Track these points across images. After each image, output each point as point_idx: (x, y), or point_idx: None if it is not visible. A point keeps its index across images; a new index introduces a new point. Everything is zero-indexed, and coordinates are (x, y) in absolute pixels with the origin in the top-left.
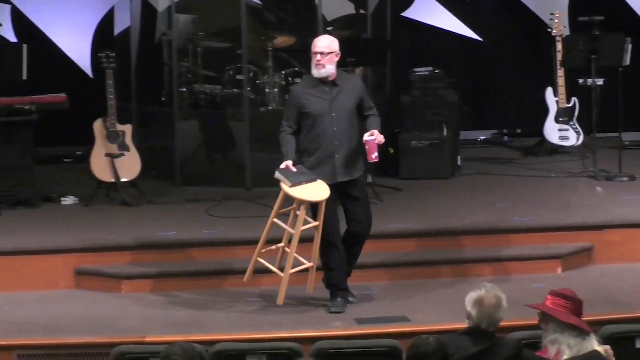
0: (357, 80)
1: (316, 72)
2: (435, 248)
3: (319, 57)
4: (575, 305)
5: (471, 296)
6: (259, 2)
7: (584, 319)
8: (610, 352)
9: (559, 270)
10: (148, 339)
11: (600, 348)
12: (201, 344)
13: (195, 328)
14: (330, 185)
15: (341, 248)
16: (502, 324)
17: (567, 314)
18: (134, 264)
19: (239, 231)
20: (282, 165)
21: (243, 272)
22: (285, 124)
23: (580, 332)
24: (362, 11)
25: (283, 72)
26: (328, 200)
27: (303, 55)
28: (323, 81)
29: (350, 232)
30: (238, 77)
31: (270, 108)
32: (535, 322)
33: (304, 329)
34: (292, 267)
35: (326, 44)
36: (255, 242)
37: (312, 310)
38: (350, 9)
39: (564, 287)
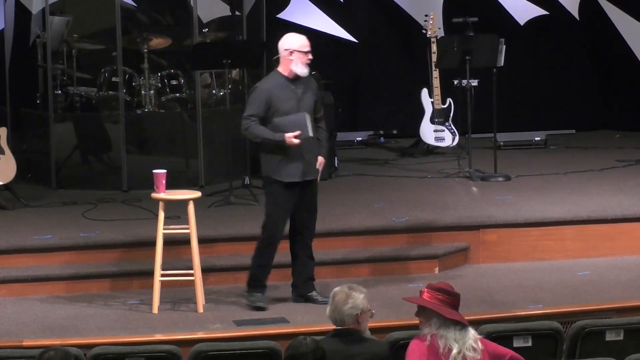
0: (314, 81)
1: (302, 71)
2: (315, 249)
3: (310, 56)
4: (454, 299)
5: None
6: (134, 4)
7: (468, 317)
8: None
9: (436, 270)
10: (25, 343)
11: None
12: (79, 347)
13: (72, 332)
14: (296, 184)
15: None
16: (379, 324)
17: (449, 309)
18: (10, 267)
19: (116, 234)
20: (288, 138)
21: (119, 275)
22: (251, 117)
23: (462, 325)
24: (237, 13)
25: (159, 74)
26: (289, 197)
27: (178, 56)
28: (289, 79)
29: (298, 232)
30: (113, 79)
31: (146, 110)
32: (413, 321)
33: (182, 331)
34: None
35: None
36: (131, 244)
37: (191, 313)
38: (225, 10)
39: (441, 281)
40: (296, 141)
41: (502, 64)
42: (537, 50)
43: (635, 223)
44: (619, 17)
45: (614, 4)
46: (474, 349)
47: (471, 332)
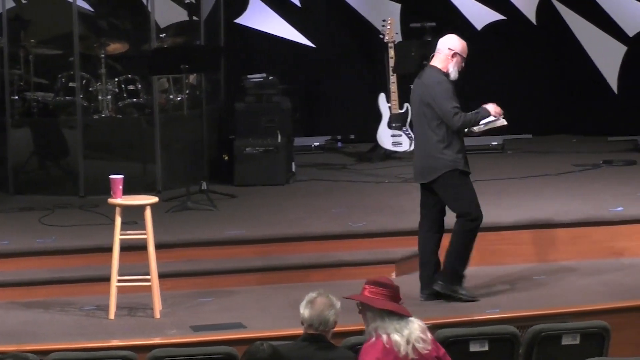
0: None
1: (455, 75)
2: (271, 254)
3: (463, 64)
4: (392, 291)
5: (305, 299)
6: (92, 9)
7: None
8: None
9: (394, 275)
10: None
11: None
12: (35, 353)
13: (29, 337)
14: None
15: None
16: (338, 329)
17: (383, 300)
18: None
19: (73, 240)
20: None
21: (77, 280)
22: (457, 107)
23: (401, 316)
24: (195, 18)
25: (116, 79)
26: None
27: (135, 62)
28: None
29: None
30: (71, 84)
31: (103, 115)
32: None
33: (139, 337)
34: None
35: None
36: (87, 250)
37: (148, 318)
38: (183, 15)
39: (380, 275)
40: (499, 110)
41: None
42: (495, 54)
43: (592, 227)
44: (575, 22)
45: (571, 8)
46: (423, 340)
47: (416, 322)
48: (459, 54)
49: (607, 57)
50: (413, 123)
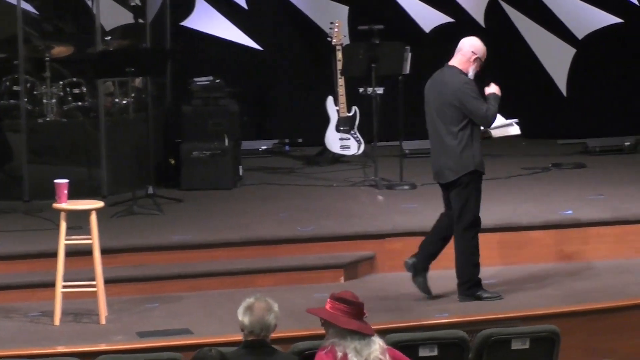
0: None
1: (473, 76)
2: (218, 259)
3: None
4: (356, 308)
5: (242, 306)
6: (36, 12)
7: (374, 326)
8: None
9: (342, 279)
10: None
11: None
12: None
13: None
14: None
15: None
16: (285, 334)
17: (347, 319)
18: None
19: (17, 245)
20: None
21: (21, 286)
22: (483, 102)
23: (362, 335)
24: (141, 20)
25: (61, 82)
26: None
27: (81, 65)
28: None
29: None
30: (15, 88)
31: (48, 119)
32: (319, 332)
33: (84, 343)
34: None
35: None
36: (32, 255)
37: (93, 324)
38: (129, 18)
39: (344, 290)
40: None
41: (407, 72)
42: (443, 57)
43: (542, 231)
44: (524, 24)
45: (519, 11)
46: None
47: (378, 342)
48: (480, 59)
49: (556, 59)
50: (429, 123)
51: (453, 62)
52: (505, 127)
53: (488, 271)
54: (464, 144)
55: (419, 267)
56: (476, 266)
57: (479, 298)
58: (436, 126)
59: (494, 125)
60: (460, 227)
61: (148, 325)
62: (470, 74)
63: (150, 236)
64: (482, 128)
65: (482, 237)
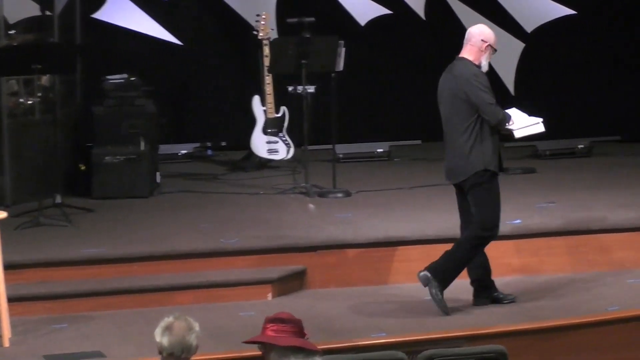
0: None
1: (486, 67)
2: (133, 275)
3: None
4: (296, 326)
5: (159, 326)
6: None
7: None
8: None
9: (270, 296)
10: None
11: None
12: None
13: None
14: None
15: None
16: (207, 356)
17: (288, 338)
18: None
19: None
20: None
21: None
22: (493, 99)
23: (307, 352)
24: (48, 13)
25: None
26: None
27: None
28: None
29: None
30: None
31: None
32: (246, 354)
33: None
34: None
35: None
36: None
37: None
38: (35, 10)
39: (279, 311)
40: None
41: (341, 69)
42: (380, 53)
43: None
44: (468, 17)
45: (463, 2)
46: None
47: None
48: (492, 46)
49: (503, 55)
50: (443, 120)
51: (463, 53)
52: (529, 127)
53: (420, 286)
54: (473, 141)
55: (490, 293)
56: (458, 270)
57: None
58: (449, 123)
59: (517, 125)
60: (472, 231)
61: (56, 348)
62: (484, 64)
63: (58, 250)
64: (508, 126)
65: (422, 248)
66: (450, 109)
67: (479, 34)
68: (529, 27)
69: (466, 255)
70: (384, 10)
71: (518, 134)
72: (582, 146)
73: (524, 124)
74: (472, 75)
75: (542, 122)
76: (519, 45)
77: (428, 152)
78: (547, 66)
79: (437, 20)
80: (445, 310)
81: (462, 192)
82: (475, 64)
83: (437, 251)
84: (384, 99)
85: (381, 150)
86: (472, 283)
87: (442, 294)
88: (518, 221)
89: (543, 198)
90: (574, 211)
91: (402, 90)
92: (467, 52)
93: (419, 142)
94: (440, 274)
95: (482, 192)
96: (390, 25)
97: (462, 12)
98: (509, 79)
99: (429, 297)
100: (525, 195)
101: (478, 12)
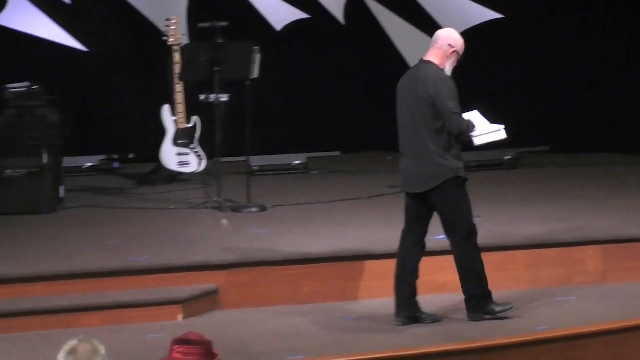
0: None
1: (449, 73)
2: (34, 295)
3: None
4: (204, 348)
5: (62, 350)
6: None
7: None
8: None
9: (180, 317)
10: None
11: None
12: None
13: None
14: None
15: None
16: None
17: None
18: None
19: None
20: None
21: None
22: (457, 106)
23: None
24: None
25: None
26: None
27: None
28: None
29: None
30: None
31: None
32: None
33: None
34: None
35: None
36: None
37: None
38: None
39: (187, 332)
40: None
41: (256, 76)
42: (297, 59)
43: None
44: (390, 21)
45: (384, 5)
46: None
47: None
48: (458, 52)
49: None
50: (402, 123)
51: (428, 56)
52: (490, 133)
53: (347, 305)
54: (444, 146)
55: (412, 313)
56: (482, 278)
57: (491, 313)
58: (411, 128)
59: (478, 132)
60: (457, 237)
61: None
62: (447, 70)
63: None
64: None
65: (340, 265)
66: (415, 114)
67: (446, 38)
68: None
69: (473, 258)
70: (301, 14)
71: (478, 141)
72: (508, 157)
73: (484, 130)
74: (439, 79)
75: (504, 128)
76: None
77: (347, 163)
78: (472, 72)
79: (356, 25)
80: (508, 308)
81: (420, 200)
82: (439, 68)
83: (355, 269)
84: (301, 108)
85: (298, 162)
86: (397, 299)
87: (494, 305)
88: (442, 237)
89: None
90: (500, 226)
91: (321, 99)
92: (433, 55)
93: (337, 153)
94: (474, 299)
95: (457, 197)
96: (308, 29)
97: (383, 16)
98: None
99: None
100: None
101: (400, 16)
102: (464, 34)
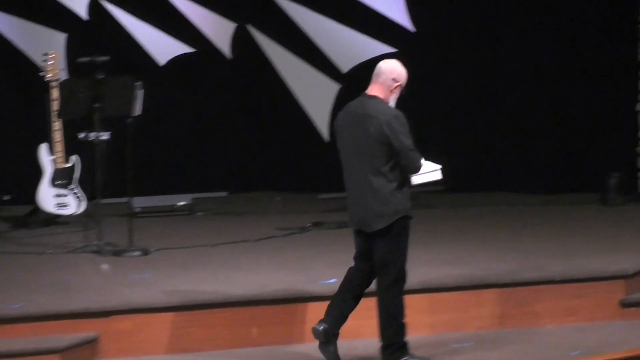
0: None
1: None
2: None
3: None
4: None
5: None
6: None
7: None
8: None
9: None
10: None
11: None
12: None
13: None
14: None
15: None
16: None
17: None
18: None
19: None
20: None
21: None
22: (412, 143)
23: None
24: None
25: None
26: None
27: None
28: None
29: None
30: None
31: None
32: None
33: None
34: None
35: None
36: None
37: None
38: None
39: None
40: None
41: (139, 113)
42: (183, 95)
43: (300, 304)
44: (280, 56)
45: (274, 40)
46: None
47: None
48: (402, 86)
49: (317, 97)
50: (348, 162)
51: (372, 91)
52: (427, 173)
53: (236, 354)
54: (395, 185)
55: (330, 333)
56: (402, 327)
57: None
58: (360, 167)
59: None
60: (387, 280)
61: None
62: (391, 104)
63: None
64: None
65: (227, 312)
66: (363, 152)
67: (390, 72)
68: (345, 67)
69: (397, 305)
70: (186, 48)
71: (415, 180)
72: None
73: (423, 170)
74: (393, 117)
75: (441, 169)
76: (333, 87)
77: (234, 205)
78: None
79: (244, 60)
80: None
81: (367, 237)
82: (385, 103)
83: (243, 315)
84: (186, 146)
85: (183, 203)
86: (325, 330)
87: (410, 357)
88: (333, 280)
89: None
90: None
91: (207, 136)
92: (377, 90)
93: (224, 193)
94: (391, 348)
95: (400, 240)
96: (193, 64)
97: (273, 50)
98: (323, 123)
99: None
100: (340, 252)
101: (290, 51)
102: (356, 69)
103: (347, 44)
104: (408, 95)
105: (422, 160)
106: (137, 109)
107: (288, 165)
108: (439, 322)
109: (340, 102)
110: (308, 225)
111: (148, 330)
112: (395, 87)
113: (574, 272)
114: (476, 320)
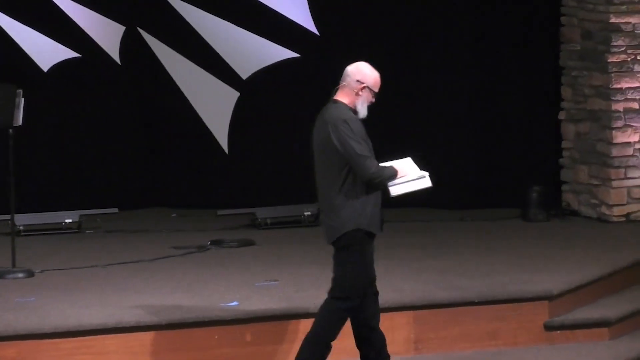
0: None
1: (364, 113)
2: None
3: (374, 99)
4: None
5: None
6: None
7: None
8: None
9: None
10: None
11: None
12: None
13: None
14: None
15: None
16: None
17: None
18: None
19: None
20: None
21: None
22: (367, 150)
23: None
24: None
25: None
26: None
27: None
28: None
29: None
30: None
31: None
32: None
33: None
34: None
35: None
36: None
37: None
38: None
39: None
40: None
41: (20, 123)
42: (68, 103)
43: (195, 329)
44: (174, 62)
45: (167, 44)
46: None
47: None
48: (370, 88)
49: (215, 106)
50: (315, 171)
51: (337, 96)
52: (410, 182)
53: None
54: (344, 195)
55: None
56: (326, 347)
57: None
58: (320, 175)
59: (397, 180)
60: (331, 294)
61: None
62: (360, 109)
63: None
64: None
65: (120, 338)
66: (323, 160)
67: (354, 74)
68: (244, 74)
69: (330, 335)
70: (71, 54)
71: (395, 191)
72: (308, 213)
73: (406, 178)
74: (342, 120)
75: (429, 176)
76: (233, 95)
77: (127, 221)
78: (266, 119)
79: (135, 66)
80: None
81: None
82: (350, 108)
83: (138, 341)
84: (73, 159)
85: (70, 220)
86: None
87: None
88: (235, 303)
89: (264, 275)
90: (298, 290)
91: (95, 149)
92: (341, 95)
93: (115, 210)
94: None
95: (350, 254)
96: (79, 70)
97: (166, 56)
98: (222, 134)
99: None
100: (242, 272)
101: (185, 56)
102: (255, 75)
103: (247, 49)
104: (317, 103)
105: (404, 166)
106: (19, 119)
107: (184, 179)
108: (348, 348)
109: (239, 111)
110: (207, 243)
111: (34, 357)
112: (362, 89)
113: (494, 293)
114: (389, 346)
